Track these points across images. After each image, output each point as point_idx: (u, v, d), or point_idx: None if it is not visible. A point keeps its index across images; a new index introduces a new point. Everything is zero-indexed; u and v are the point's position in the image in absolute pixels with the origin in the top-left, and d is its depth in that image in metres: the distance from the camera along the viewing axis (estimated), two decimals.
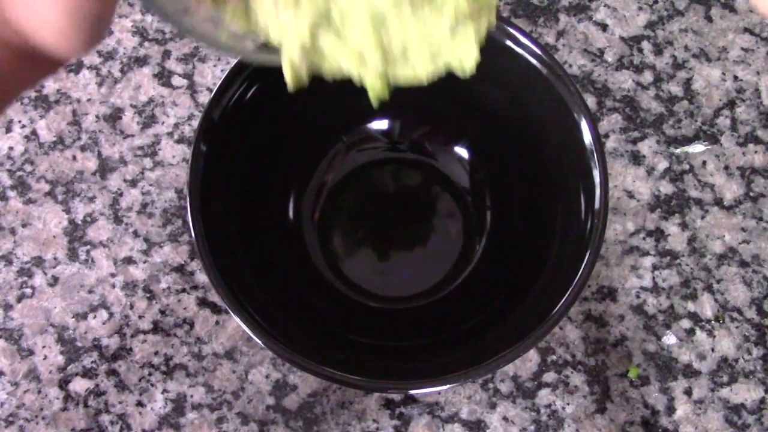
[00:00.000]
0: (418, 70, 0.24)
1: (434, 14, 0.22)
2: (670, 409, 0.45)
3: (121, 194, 0.48)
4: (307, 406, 0.44)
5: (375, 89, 0.23)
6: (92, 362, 0.45)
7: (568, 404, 0.45)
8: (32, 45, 0.20)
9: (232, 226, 0.39)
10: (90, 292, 0.46)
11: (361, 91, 0.24)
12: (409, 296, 0.46)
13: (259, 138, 0.41)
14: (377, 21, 0.22)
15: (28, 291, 0.46)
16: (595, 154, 0.36)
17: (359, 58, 0.23)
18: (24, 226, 0.47)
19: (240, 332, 0.45)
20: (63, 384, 0.44)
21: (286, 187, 0.44)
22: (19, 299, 0.46)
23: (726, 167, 0.49)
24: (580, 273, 0.35)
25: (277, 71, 0.24)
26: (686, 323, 0.46)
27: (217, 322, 0.45)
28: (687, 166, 0.49)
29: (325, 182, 0.46)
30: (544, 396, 0.45)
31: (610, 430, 0.44)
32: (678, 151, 0.49)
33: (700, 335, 0.46)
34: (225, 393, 0.44)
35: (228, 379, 0.44)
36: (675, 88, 0.51)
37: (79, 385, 0.44)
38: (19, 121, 0.49)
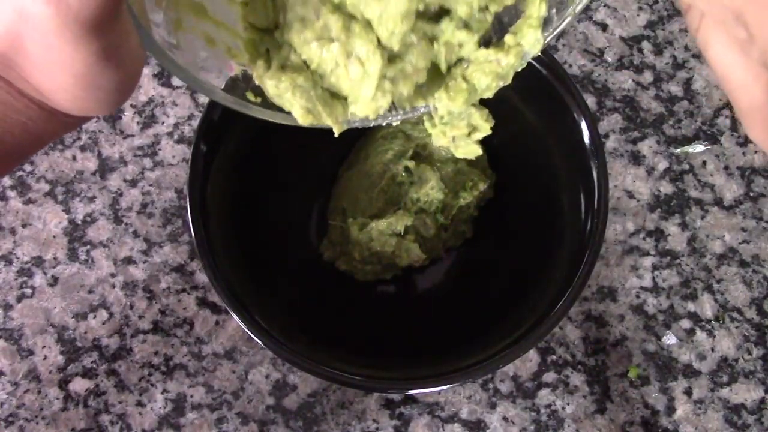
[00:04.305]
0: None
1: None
2: (670, 409, 0.45)
3: (121, 194, 0.48)
4: (307, 406, 0.44)
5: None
6: (92, 362, 0.45)
7: (568, 404, 0.45)
8: (52, 103, 0.22)
9: (232, 226, 0.39)
10: (90, 292, 0.46)
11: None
12: (410, 291, 0.46)
13: (259, 137, 0.41)
14: None
15: (28, 291, 0.46)
16: (595, 154, 0.36)
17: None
18: (24, 226, 0.47)
19: (240, 332, 0.45)
20: (63, 384, 0.44)
21: (285, 186, 0.44)
22: (19, 299, 0.46)
23: (726, 167, 0.49)
24: (580, 273, 0.35)
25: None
26: (686, 323, 0.46)
27: (217, 322, 0.45)
28: (687, 166, 0.49)
29: (325, 180, 0.46)
30: (544, 396, 0.45)
31: (610, 430, 0.44)
32: (678, 151, 0.49)
33: (700, 335, 0.46)
34: (225, 393, 0.44)
35: (228, 379, 0.44)
36: (675, 88, 0.51)
37: (79, 385, 0.44)
38: None
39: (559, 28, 0.25)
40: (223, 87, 0.26)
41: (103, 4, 0.19)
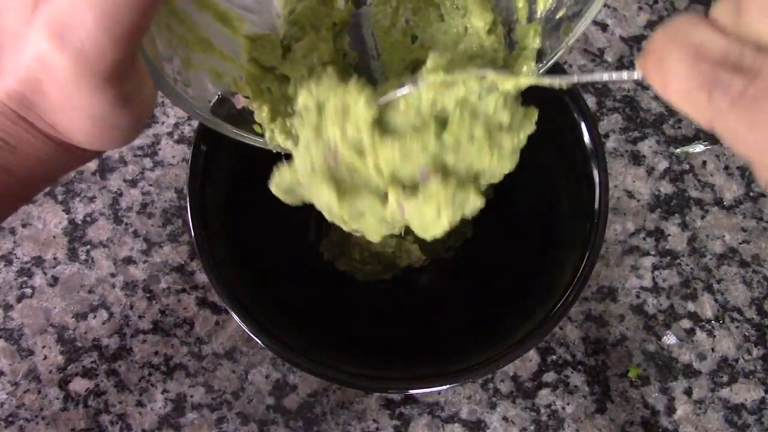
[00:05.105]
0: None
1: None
2: (670, 409, 0.45)
3: (121, 194, 0.48)
4: (307, 406, 0.44)
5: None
6: (92, 362, 0.45)
7: (568, 404, 0.45)
8: (68, 140, 0.23)
9: (232, 226, 0.39)
10: (90, 292, 0.46)
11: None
12: (409, 294, 0.46)
13: None
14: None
15: (28, 291, 0.46)
16: (595, 154, 0.36)
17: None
18: (24, 226, 0.47)
19: (240, 332, 0.45)
20: (63, 384, 0.44)
21: None
22: (19, 299, 0.46)
23: (726, 167, 0.49)
24: (580, 273, 0.35)
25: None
26: (686, 323, 0.46)
27: (217, 322, 0.45)
28: (687, 166, 0.49)
29: None
30: (544, 396, 0.45)
31: (610, 430, 0.44)
32: (678, 151, 0.49)
33: (700, 335, 0.46)
34: (225, 393, 0.44)
35: (228, 379, 0.44)
36: None
37: (79, 385, 0.44)
38: None
39: (554, 59, 0.26)
40: (230, 119, 0.27)
41: (120, 58, 0.20)
